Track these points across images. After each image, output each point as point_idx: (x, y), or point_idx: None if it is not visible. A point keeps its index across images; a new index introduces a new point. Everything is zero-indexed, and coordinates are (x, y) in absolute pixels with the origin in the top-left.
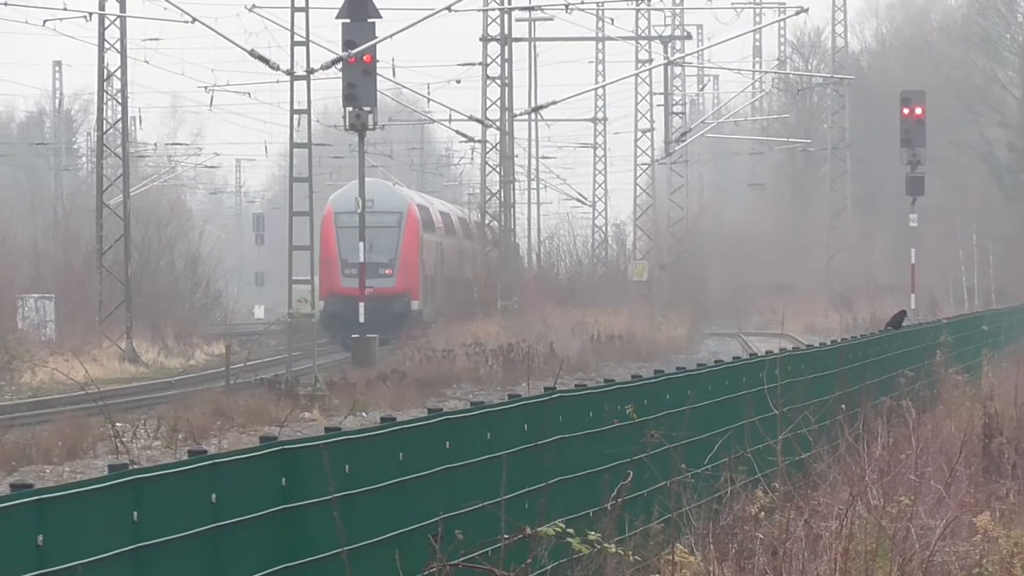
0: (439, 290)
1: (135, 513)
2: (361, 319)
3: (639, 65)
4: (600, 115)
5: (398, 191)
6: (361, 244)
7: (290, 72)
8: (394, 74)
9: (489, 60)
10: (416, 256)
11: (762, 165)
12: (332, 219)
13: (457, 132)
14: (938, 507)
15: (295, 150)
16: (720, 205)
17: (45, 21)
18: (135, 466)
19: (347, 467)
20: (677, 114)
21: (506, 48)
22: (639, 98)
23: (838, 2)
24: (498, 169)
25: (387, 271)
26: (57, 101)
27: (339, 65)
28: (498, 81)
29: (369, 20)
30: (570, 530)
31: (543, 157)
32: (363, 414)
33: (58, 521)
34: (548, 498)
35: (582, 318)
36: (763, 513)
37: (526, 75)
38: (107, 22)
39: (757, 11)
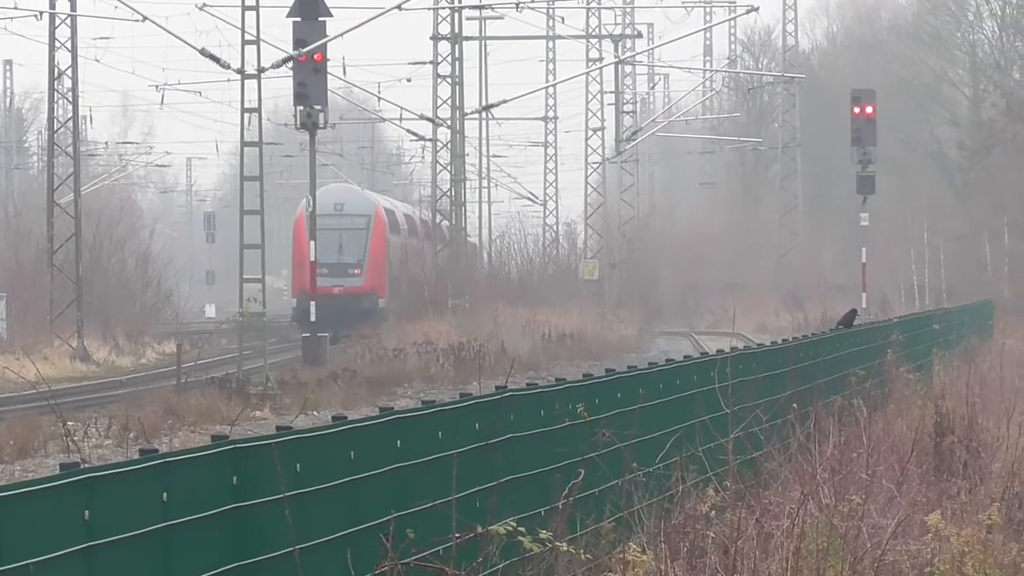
0: (404, 289)
1: (86, 512)
2: (312, 318)
3: (590, 64)
4: (551, 114)
5: (367, 195)
6: (312, 243)
7: (241, 71)
8: (345, 73)
9: (440, 59)
10: (383, 257)
11: (713, 164)
12: (304, 222)
13: (408, 131)
14: (889, 506)
15: (246, 149)
16: (671, 204)
17: None
18: (86, 465)
19: (298, 466)
20: (628, 113)
21: (456, 47)
22: (590, 97)
23: (788, 1)
24: (449, 168)
25: (356, 271)
26: (8, 100)
27: (290, 64)
28: (449, 80)
29: (320, 19)
30: (521, 529)
31: (494, 156)
32: (314, 413)
33: (9, 520)
34: (499, 497)
35: (533, 317)
36: (714, 512)
37: (477, 74)
38: (58, 21)
39: (707, 10)
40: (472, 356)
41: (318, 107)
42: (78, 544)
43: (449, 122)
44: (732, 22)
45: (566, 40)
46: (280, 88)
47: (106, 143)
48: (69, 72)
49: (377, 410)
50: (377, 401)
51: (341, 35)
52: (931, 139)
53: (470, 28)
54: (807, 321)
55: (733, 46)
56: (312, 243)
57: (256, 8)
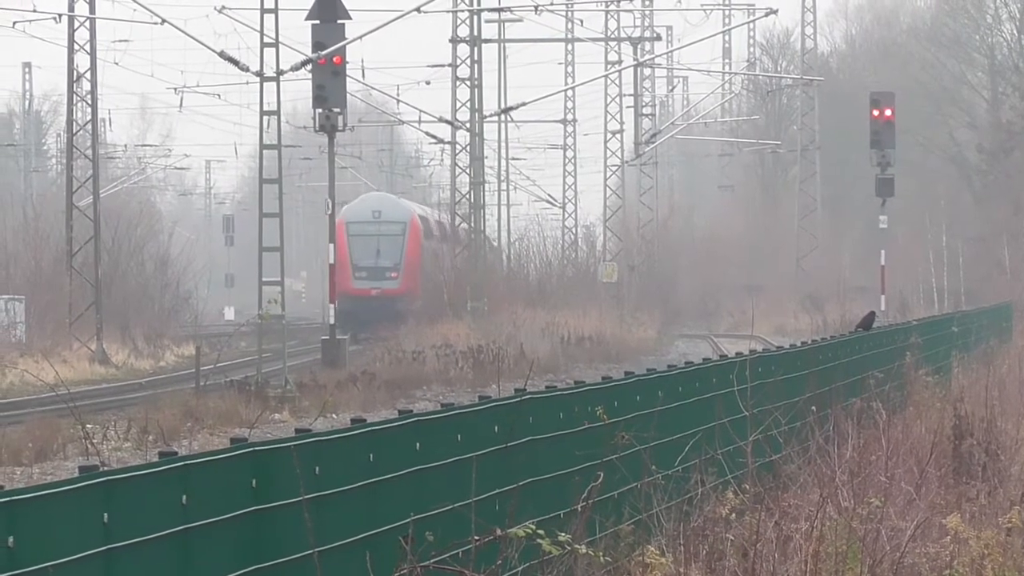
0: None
1: (105, 515)
2: (331, 320)
3: (608, 66)
4: (570, 116)
5: (403, 203)
6: (332, 246)
7: (260, 73)
8: (363, 76)
9: (459, 61)
10: (418, 260)
11: (731, 166)
12: (344, 228)
13: (427, 133)
14: (908, 508)
15: (265, 151)
16: (690, 206)
17: (15, 23)
18: (105, 468)
19: (317, 468)
20: (647, 115)
21: (475, 49)
22: (608, 99)
23: (807, 4)
24: (468, 171)
25: (393, 274)
26: (26, 102)
27: (309, 66)
28: (468, 82)
29: (339, 21)
30: (540, 531)
31: (513, 158)
32: (333, 415)
33: (29, 523)
34: (518, 499)
35: (552, 319)
36: (733, 514)
37: (496, 76)
38: (76, 24)
39: (726, 12)
40: (491, 359)
41: (337, 110)
42: (97, 547)
43: (468, 125)
44: (751, 25)
45: (585, 43)
46: (299, 91)
47: (125, 146)
48: (88, 75)
49: (396, 413)
50: (396, 404)
51: (360, 38)
52: (950, 142)
53: (489, 31)
54: (826, 324)
55: (752, 49)
56: (332, 246)
57: (275, 11)
